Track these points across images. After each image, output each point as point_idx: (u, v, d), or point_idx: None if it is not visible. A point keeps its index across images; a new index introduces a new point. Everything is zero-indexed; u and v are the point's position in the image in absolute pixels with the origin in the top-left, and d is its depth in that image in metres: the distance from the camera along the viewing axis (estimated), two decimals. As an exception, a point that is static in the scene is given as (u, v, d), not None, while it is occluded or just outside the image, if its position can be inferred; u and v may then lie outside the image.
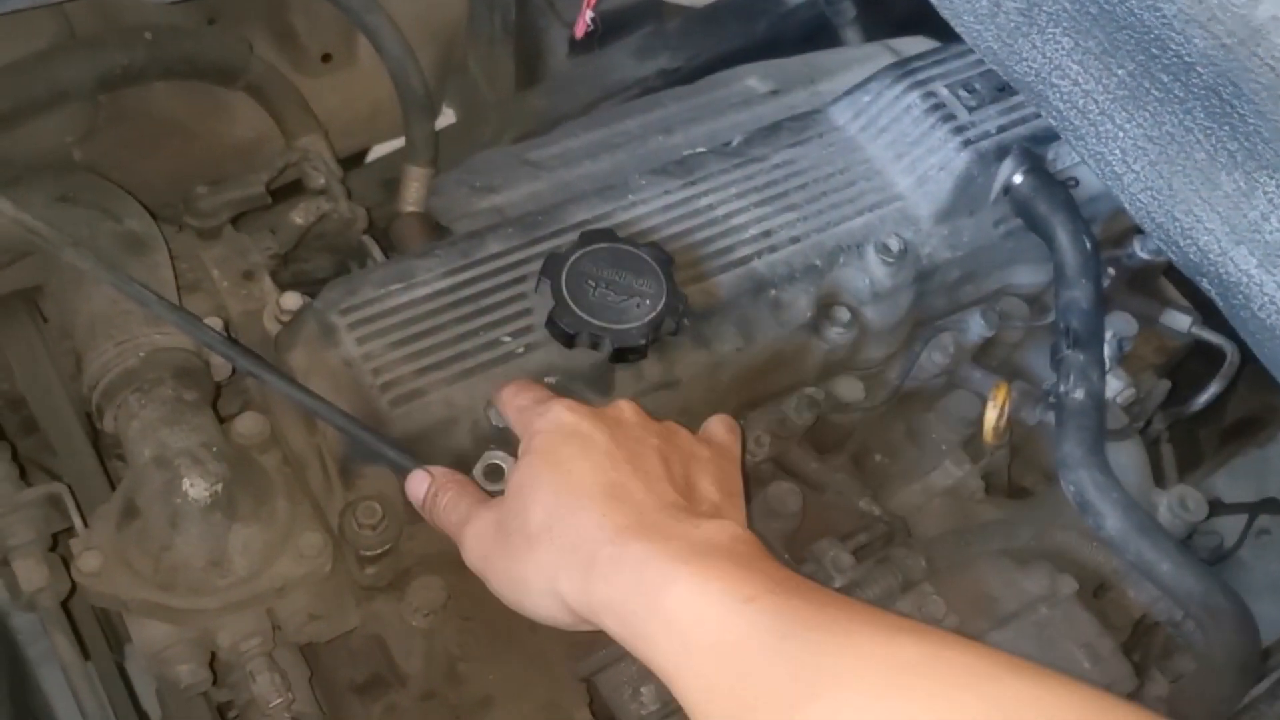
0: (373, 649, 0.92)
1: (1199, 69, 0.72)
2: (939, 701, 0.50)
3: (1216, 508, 1.22)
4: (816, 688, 0.52)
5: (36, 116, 1.01)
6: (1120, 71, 0.76)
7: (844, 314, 0.94)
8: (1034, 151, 0.97)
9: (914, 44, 1.23)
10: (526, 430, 0.75)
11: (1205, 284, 0.76)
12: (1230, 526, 1.46)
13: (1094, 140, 0.79)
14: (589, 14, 0.94)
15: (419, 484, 0.79)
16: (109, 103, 1.12)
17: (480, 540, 0.73)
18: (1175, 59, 0.72)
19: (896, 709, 0.50)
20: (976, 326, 0.99)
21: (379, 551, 0.83)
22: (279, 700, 0.82)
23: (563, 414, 0.74)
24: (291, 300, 0.90)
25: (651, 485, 0.69)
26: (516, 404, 0.78)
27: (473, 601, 0.89)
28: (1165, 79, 0.73)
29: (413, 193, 1.19)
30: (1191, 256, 0.75)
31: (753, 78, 1.23)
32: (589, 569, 0.65)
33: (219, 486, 0.80)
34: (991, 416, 0.96)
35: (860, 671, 0.52)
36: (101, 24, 1.08)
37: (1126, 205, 0.78)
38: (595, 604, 0.65)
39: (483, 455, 0.81)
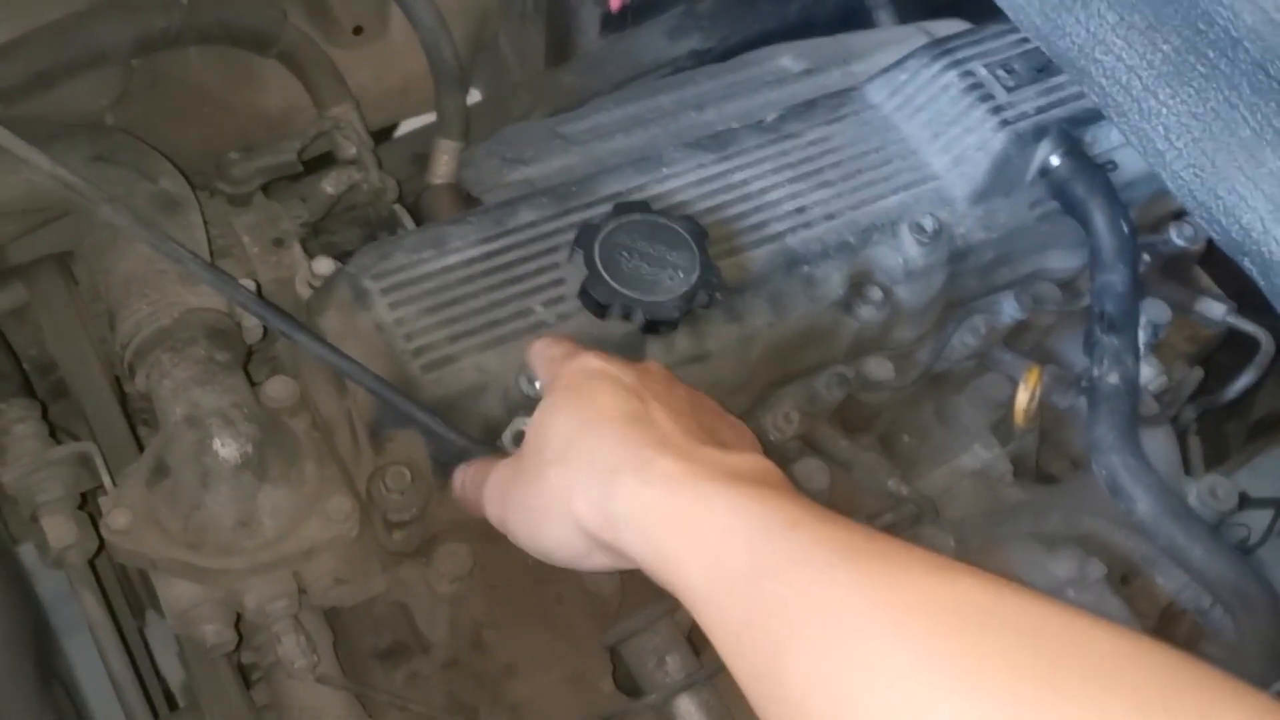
0: (396, 615, 0.92)
1: (1246, 44, 0.71)
2: (1008, 648, 0.45)
3: (1244, 501, 1.21)
4: (871, 622, 0.47)
5: (73, 77, 1.01)
6: (1165, 47, 0.75)
7: (876, 292, 0.94)
8: (1072, 134, 0.96)
9: (949, 26, 1.22)
10: (553, 377, 0.72)
11: (1246, 263, 0.75)
12: (1255, 524, 1.45)
13: (1137, 117, 0.78)
14: (626, -13, 0.94)
15: (456, 478, 0.77)
16: (143, 68, 1.12)
17: (497, 485, 0.70)
18: (1222, 34, 0.72)
19: (962, 652, 0.45)
20: (1009, 309, 0.98)
21: (407, 517, 0.83)
22: (304, 662, 0.82)
23: (590, 359, 0.70)
24: (324, 265, 0.90)
25: (677, 419, 0.65)
26: (548, 355, 0.75)
27: (499, 570, 0.89)
28: (1211, 54, 0.73)
29: (443, 165, 1.18)
30: (1234, 235, 0.74)
31: (786, 57, 1.22)
32: (609, 483, 0.61)
33: (250, 447, 0.80)
34: (1022, 399, 0.95)
35: (920, 609, 0.47)
36: (139, -12, 1.08)
37: (1169, 183, 0.77)
38: (615, 519, 0.60)
39: (512, 421, 0.81)
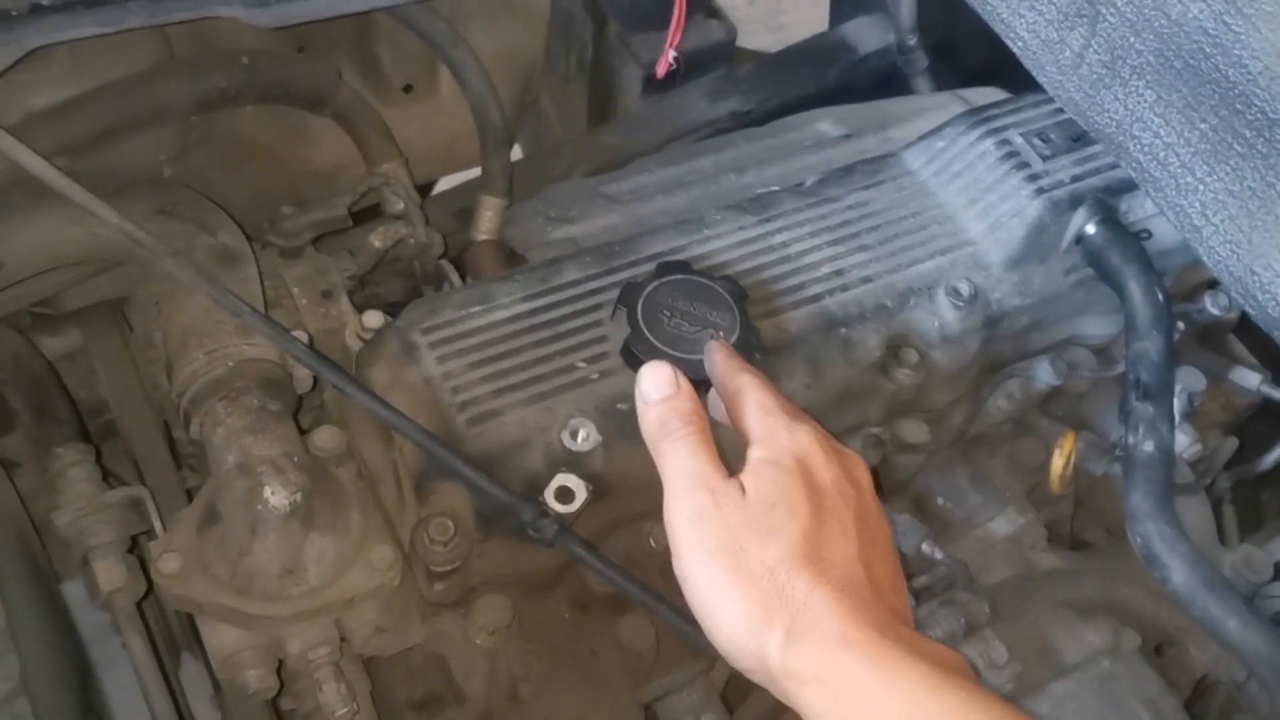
0: (432, 667, 0.93)
1: (1284, 125, 0.73)
2: None
3: (1278, 572, 1.21)
4: None
5: (136, 133, 1.04)
6: (1203, 125, 0.77)
7: (912, 355, 0.95)
8: (1107, 202, 0.98)
9: (985, 94, 1.24)
10: (772, 440, 0.70)
11: (1282, 338, 0.76)
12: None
13: (1174, 192, 0.79)
14: (671, 53, 0.96)
15: (662, 382, 0.73)
16: (200, 124, 1.15)
17: (705, 520, 0.67)
18: (1259, 115, 0.73)
19: None
20: (1044, 375, 1.00)
21: (449, 568, 0.84)
22: (344, 710, 0.83)
23: (815, 449, 0.70)
24: (374, 318, 0.92)
25: (879, 578, 0.67)
26: (759, 400, 0.73)
27: (536, 623, 0.90)
28: (1248, 134, 0.74)
29: (487, 221, 1.21)
30: (1270, 311, 0.75)
31: (825, 121, 1.24)
32: (817, 641, 0.62)
33: (298, 496, 0.82)
34: (1058, 465, 0.96)
35: None
36: (200, 47, 1.12)
37: (1205, 258, 0.79)
38: (801, 671, 0.62)
39: (555, 477, 0.83)
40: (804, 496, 0.67)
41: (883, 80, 1.43)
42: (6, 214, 0.94)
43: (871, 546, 0.68)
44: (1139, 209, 1.00)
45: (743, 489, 0.68)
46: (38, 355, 1.04)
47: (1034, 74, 0.86)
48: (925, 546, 0.95)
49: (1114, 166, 0.98)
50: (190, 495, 1.03)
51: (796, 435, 0.70)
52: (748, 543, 0.65)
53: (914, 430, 0.98)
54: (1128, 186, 0.98)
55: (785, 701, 0.64)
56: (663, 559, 0.89)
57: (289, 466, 0.83)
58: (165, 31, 1.09)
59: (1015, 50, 0.87)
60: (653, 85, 1.40)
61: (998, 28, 0.88)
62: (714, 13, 1.42)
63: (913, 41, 1.37)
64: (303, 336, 0.90)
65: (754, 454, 0.70)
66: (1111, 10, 0.80)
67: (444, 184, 1.48)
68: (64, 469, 0.94)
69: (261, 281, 0.97)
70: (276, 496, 0.82)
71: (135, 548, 0.93)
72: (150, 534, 0.93)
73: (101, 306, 1.12)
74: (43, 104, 1.02)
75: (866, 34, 1.45)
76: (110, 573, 0.88)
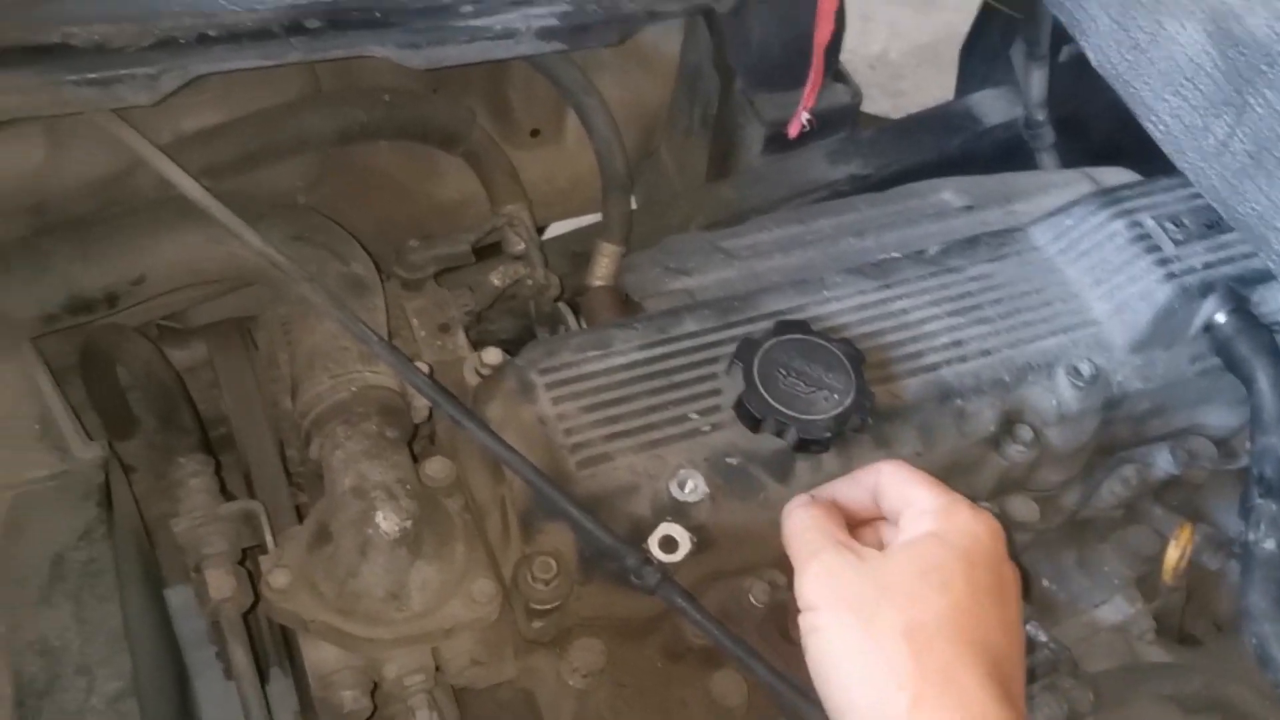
0: (520, 703, 0.94)
1: None
2: None
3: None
4: None
5: (278, 160, 1.09)
6: (1351, 221, 0.75)
7: (1027, 433, 0.94)
8: (1239, 292, 0.96)
9: (1113, 174, 1.23)
10: (952, 516, 0.72)
11: None
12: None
13: (1316, 287, 0.78)
14: (805, 114, 0.98)
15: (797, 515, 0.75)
16: (335, 154, 1.20)
17: (840, 584, 0.68)
18: None
19: None
20: (1163, 462, 0.97)
21: (549, 607, 0.85)
22: (435, 739, 0.84)
23: (979, 527, 0.71)
24: (493, 355, 0.94)
25: (1016, 675, 0.68)
26: (925, 478, 0.75)
27: (629, 668, 0.90)
28: (1400, 233, 0.72)
29: (603, 268, 1.23)
30: None
31: (948, 191, 1.24)
32: (943, 708, 0.63)
33: (409, 523, 0.84)
34: (1173, 556, 0.93)
35: None
36: (343, 81, 1.17)
37: (1346, 355, 0.77)
38: None
39: (660, 525, 0.83)
40: (962, 576, 0.68)
41: (1006, 153, 1.42)
42: (154, 229, 0.98)
43: (1011, 636, 0.69)
44: (1272, 300, 0.98)
45: (890, 557, 0.70)
46: (169, 367, 1.09)
47: (1173, 159, 0.85)
48: (1029, 628, 0.93)
49: (1248, 256, 0.96)
50: (299, 513, 1.06)
51: (957, 510, 0.72)
52: (882, 607, 0.66)
53: (1023, 508, 0.96)
54: (1262, 277, 0.96)
55: None
56: (760, 616, 0.89)
57: (402, 493, 0.85)
58: (313, 65, 1.14)
59: (1155, 135, 0.86)
60: (774, 144, 1.41)
61: (1139, 111, 0.87)
62: (840, 76, 1.43)
63: (1041, 117, 1.37)
64: (424, 368, 0.92)
65: (923, 525, 0.71)
66: (1260, 101, 0.79)
67: (555, 228, 1.50)
68: (185, 478, 0.97)
69: (387, 311, 1.00)
70: (388, 522, 0.83)
71: (244, 560, 0.96)
72: (260, 548, 0.95)
73: (228, 323, 1.16)
74: (193, 127, 1.07)
75: (993, 106, 1.45)
76: (221, 582, 0.91)
